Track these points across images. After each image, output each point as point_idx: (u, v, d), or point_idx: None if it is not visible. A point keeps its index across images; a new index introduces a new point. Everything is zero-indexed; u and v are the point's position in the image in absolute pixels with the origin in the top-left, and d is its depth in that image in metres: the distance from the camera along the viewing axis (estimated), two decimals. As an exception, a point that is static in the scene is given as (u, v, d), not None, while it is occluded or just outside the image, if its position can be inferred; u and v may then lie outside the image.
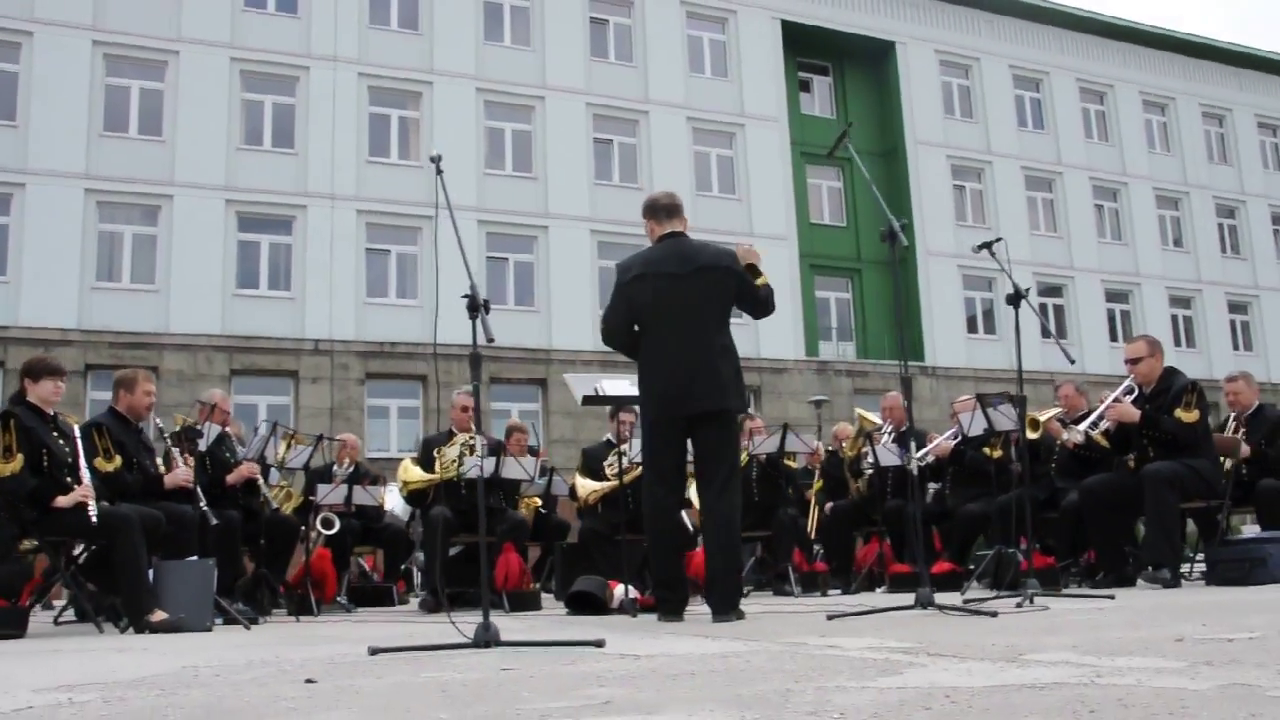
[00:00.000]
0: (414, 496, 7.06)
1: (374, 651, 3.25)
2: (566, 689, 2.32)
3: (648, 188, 26.22)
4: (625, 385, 5.87)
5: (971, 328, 29.30)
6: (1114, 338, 30.18)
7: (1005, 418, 7.20)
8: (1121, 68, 32.77)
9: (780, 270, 25.01)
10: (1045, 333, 7.92)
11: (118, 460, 5.72)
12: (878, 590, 7.85)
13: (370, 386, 23.59)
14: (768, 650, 3.21)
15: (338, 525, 7.63)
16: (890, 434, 8.48)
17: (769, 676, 2.50)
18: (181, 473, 5.88)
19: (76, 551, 5.55)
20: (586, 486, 7.20)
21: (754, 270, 5.17)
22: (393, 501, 8.64)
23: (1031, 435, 6.89)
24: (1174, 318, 31.67)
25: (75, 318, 21.51)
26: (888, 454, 8.03)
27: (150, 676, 2.78)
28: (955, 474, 8.01)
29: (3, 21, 21.97)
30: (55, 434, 5.34)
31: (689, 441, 5.10)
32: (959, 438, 8.04)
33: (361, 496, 7.67)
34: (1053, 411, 7.46)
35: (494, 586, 6.36)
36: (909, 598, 4.74)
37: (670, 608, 4.94)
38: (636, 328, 5.14)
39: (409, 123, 25.01)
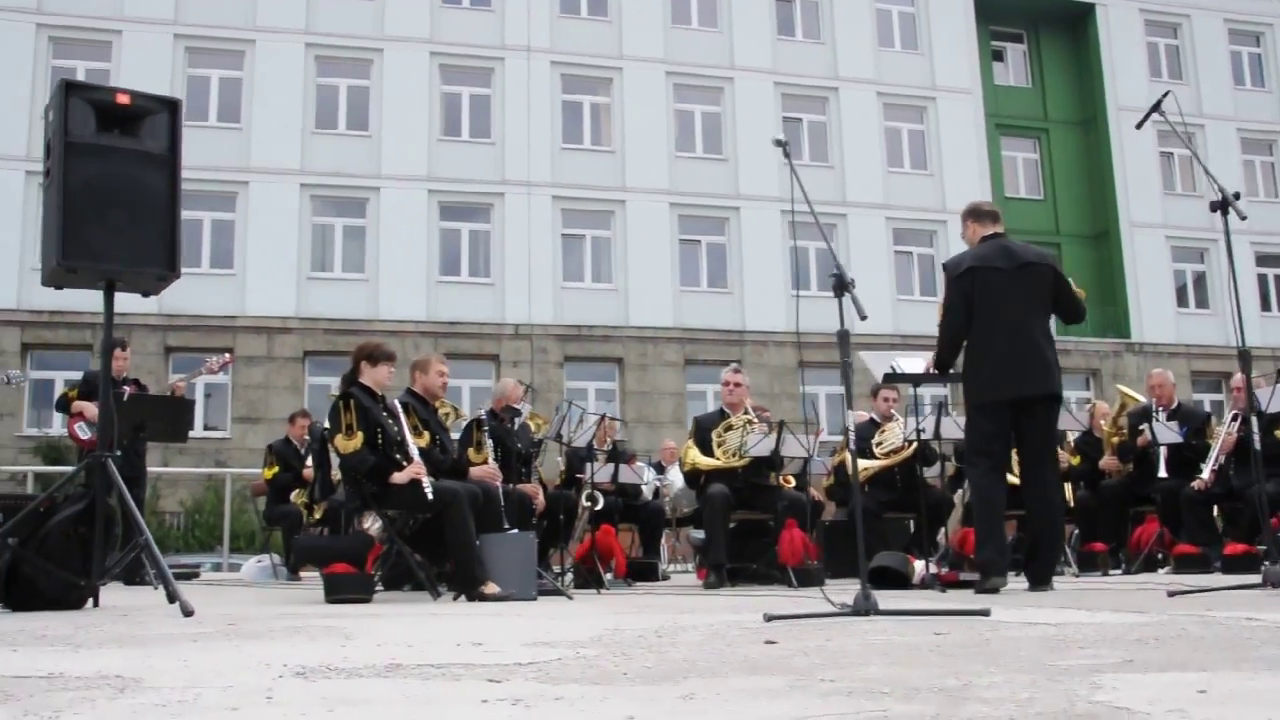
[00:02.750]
0: (690, 477, 7.26)
1: (769, 618, 3.37)
2: (1049, 651, 2.36)
3: (838, 166, 26.00)
4: (919, 363, 5.91)
5: (1181, 301, 27.95)
6: (1347, 310, 28.40)
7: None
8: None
9: (978, 245, 24.36)
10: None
11: (427, 436, 6.03)
12: (1161, 571, 7.65)
13: (569, 369, 24.14)
14: (1174, 620, 3.18)
15: (601, 501, 7.87)
16: (1160, 413, 8.25)
17: (1224, 644, 2.48)
18: (490, 469, 6.22)
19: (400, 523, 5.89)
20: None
21: None
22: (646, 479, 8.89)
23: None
24: None
25: (294, 306, 22.74)
26: (1167, 432, 7.81)
27: (597, 637, 2.95)
28: (1240, 454, 7.70)
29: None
30: (385, 414, 5.68)
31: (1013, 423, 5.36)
32: (1237, 418, 7.73)
33: (627, 475, 7.92)
34: None
35: (778, 562, 6.48)
36: (1247, 577, 4.64)
37: (994, 580, 5.05)
38: None
39: (600, 109, 25.40)
